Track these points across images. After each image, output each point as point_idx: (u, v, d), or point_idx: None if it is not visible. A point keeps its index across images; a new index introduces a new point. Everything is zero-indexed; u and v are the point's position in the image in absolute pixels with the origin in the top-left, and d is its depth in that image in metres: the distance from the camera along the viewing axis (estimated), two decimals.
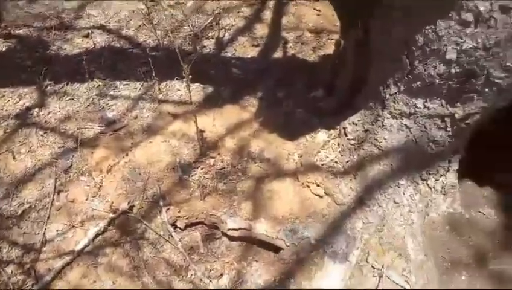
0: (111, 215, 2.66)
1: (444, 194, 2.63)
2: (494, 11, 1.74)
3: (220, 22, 3.86)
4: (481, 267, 2.42)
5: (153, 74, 3.19)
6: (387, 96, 2.38)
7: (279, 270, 2.52)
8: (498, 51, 1.84)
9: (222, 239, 2.72)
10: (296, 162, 2.85)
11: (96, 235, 2.61)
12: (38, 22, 3.90)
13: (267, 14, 4.01)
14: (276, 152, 2.89)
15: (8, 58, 3.58)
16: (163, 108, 3.19)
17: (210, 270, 2.59)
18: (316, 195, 2.69)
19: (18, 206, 2.70)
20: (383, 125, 2.47)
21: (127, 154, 2.91)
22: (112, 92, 3.32)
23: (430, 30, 1.95)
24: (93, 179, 2.82)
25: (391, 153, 2.50)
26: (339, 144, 2.84)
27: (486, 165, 2.68)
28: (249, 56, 3.63)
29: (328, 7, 3.86)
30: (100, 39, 3.75)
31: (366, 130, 2.62)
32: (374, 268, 2.38)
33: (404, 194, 2.55)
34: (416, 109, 2.28)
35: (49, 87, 3.33)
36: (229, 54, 3.64)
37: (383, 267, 2.37)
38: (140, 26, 3.87)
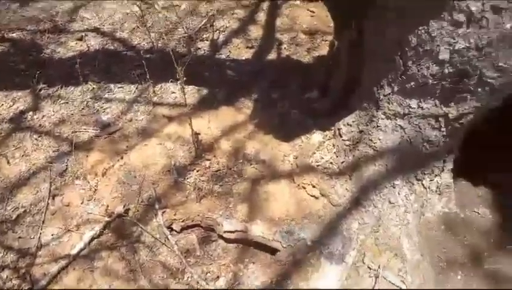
0: (106, 218, 2.65)
1: (439, 194, 2.64)
2: (486, 11, 1.75)
3: (214, 23, 3.86)
4: (476, 266, 2.43)
5: (148, 77, 3.19)
6: (381, 97, 2.39)
7: (276, 272, 2.52)
8: (490, 51, 1.85)
9: (218, 241, 2.72)
10: (292, 164, 2.85)
11: (92, 239, 2.60)
12: (32, 25, 3.88)
13: (261, 16, 4.02)
14: (271, 154, 2.90)
15: (2, 61, 3.56)
16: (158, 111, 3.18)
17: (206, 273, 2.58)
18: (312, 196, 2.69)
19: (13, 211, 2.69)
20: (378, 126, 2.48)
21: (122, 158, 2.90)
22: (106, 95, 3.31)
23: (423, 31, 1.96)
24: (89, 182, 2.81)
25: (386, 153, 2.51)
26: (334, 145, 2.85)
27: (480, 165, 2.69)
28: (244, 58, 3.63)
29: (322, 8, 3.87)
30: (94, 42, 3.74)
31: (360, 131, 2.62)
32: (370, 269, 2.39)
33: (399, 194, 2.56)
34: (410, 110, 2.29)
35: (43, 91, 3.32)
36: (223, 56, 3.65)
37: (379, 267, 2.37)
38: (134, 28, 3.87)
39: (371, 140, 2.54)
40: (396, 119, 2.39)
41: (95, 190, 2.78)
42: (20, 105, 3.23)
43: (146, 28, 3.70)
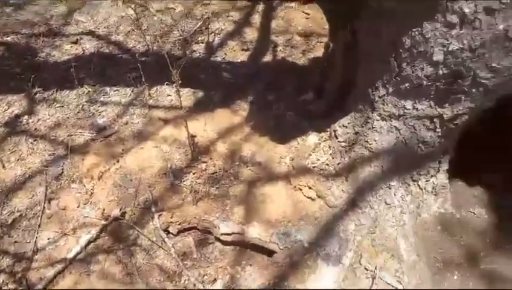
0: (103, 222, 2.64)
1: (435, 195, 2.65)
2: (479, 12, 1.76)
3: (210, 26, 3.87)
4: (473, 266, 2.44)
5: (143, 80, 3.19)
6: (376, 98, 2.40)
7: (273, 274, 2.52)
8: (483, 52, 1.87)
9: (215, 244, 2.71)
10: (288, 165, 2.85)
11: (88, 243, 2.59)
12: (27, 29, 3.88)
13: (256, 18, 4.03)
14: (267, 156, 2.90)
15: None
16: (154, 113, 3.18)
17: (203, 276, 2.58)
18: (308, 198, 2.70)
19: (8, 215, 2.67)
20: (373, 127, 2.49)
21: (118, 161, 2.90)
22: (101, 98, 3.31)
23: (416, 32, 1.97)
24: (85, 186, 2.80)
25: (381, 154, 2.51)
26: (329, 147, 2.85)
27: (475, 166, 2.71)
28: (239, 60, 3.64)
29: (317, 10, 3.89)
30: (89, 45, 3.74)
31: (356, 133, 2.63)
32: (367, 270, 2.39)
33: (395, 195, 2.57)
34: (405, 111, 2.29)
35: (38, 95, 3.31)
36: (219, 59, 3.65)
37: (376, 268, 2.38)
38: (129, 31, 3.87)
39: (367, 141, 2.54)
40: (391, 121, 2.40)
41: (91, 193, 2.77)
42: (15, 109, 3.22)
43: (141, 31, 3.70)
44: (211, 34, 3.82)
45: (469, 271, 2.43)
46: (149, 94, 3.29)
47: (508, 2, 1.69)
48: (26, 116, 3.17)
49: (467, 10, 1.78)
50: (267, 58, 3.65)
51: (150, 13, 3.97)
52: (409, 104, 2.26)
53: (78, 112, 3.21)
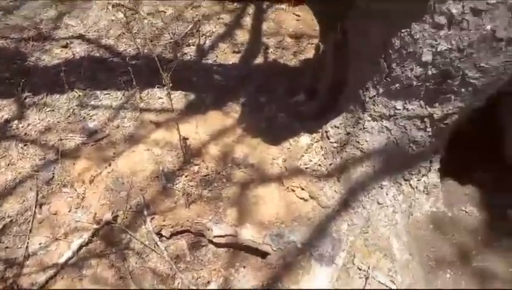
0: (95, 226, 2.62)
1: (427, 194, 2.67)
2: (466, 13, 1.78)
3: (200, 29, 3.86)
4: (465, 264, 2.46)
5: (134, 83, 3.17)
6: (367, 99, 2.41)
7: (267, 275, 2.51)
8: (472, 52, 1.89)
9: (208, 246, 2.71)
10: (281, 167, 2.86)
11: (80, 247, 2.57)
12: (16, 33, 3.84)
13: (247, 20, 4.03)
14: (260, 157, 2.90)
15: None
16: (145, 117, 3.17)
17: (197, 278, 2.57)
18: (301, 199, 2.70)
19: None
20: (364, 128, 2.50)
21: (109, 164, 2.88)
22: (92, 102, 3.29)
23: (405, 33, 1.98)
24: (76, 190, 2.78)
25: (373, 155, 2.53)
26: (322, 147, 2.86)
27: (465, 165, 2.73)
28: (230, 62, 3.64)
29: (308, 12, 3.90)
30: (79, 49, 3.71)
31: (348, 133, 2.64)
32: (360, 270, 2.40)
33: (387, 195, 2.58)
34: (396, 111, 2.31)
35: (28, 99, 3.28)
36: (210, 61, 3.65)
37: (369, 268, 2.39)
38: (120, 35, 3.85)
39: (358, 142, 2.56)
40: (382, 121, 2.41)
41: (83, 197, 2.75)
42: (4, 114, 3.19)
43: (131, 35, 3.68)
44: (201, 36, 3.82)
45: (461, 269, 2.45)
46: (140, 97, 3.28)
47: (495, 2, 1.71)
48: (16, 121, 3.14)
49: (454, 11, 1.79)
50: (259, 60, 3.65)
51: (140, 16, 3.96)
52: (399, 104, 2.28)
53: (69, 116, 3.19)
